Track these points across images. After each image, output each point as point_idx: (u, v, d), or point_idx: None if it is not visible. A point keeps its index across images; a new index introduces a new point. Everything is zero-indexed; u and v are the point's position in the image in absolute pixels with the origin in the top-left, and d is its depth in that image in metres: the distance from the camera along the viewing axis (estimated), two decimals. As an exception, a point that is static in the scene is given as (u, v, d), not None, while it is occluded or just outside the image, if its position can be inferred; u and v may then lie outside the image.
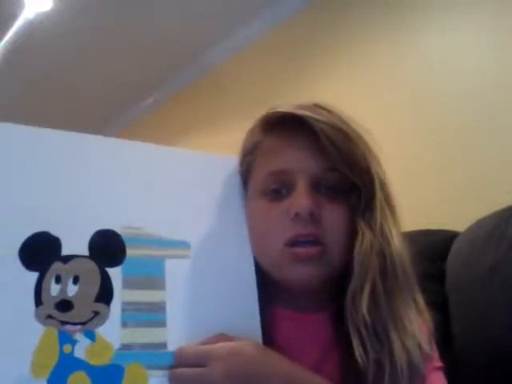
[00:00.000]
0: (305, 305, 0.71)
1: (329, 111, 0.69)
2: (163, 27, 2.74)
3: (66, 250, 0.60)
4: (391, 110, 1.95)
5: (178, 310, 0.63)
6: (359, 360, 0.62)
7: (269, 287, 0.70)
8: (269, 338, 0.67)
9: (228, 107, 2.87)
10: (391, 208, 0.70)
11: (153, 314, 0.62)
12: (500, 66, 1.74)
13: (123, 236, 0.63)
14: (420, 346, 0.64)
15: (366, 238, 0.66)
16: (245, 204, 0.74)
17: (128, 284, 0.62)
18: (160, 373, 0.60)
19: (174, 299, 0.63)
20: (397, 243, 0.67)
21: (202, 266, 0.67)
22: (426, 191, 1.82)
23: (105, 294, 0.60)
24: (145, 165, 0.70)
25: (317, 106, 0.70)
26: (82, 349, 0.58)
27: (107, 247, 0.62)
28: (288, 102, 0.73)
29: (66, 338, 0.58)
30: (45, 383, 0.56)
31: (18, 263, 0.58)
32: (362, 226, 0.67)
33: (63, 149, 0.66)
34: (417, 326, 0.65)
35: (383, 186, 0.69)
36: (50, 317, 0.58)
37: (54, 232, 0.61)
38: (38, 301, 0.58)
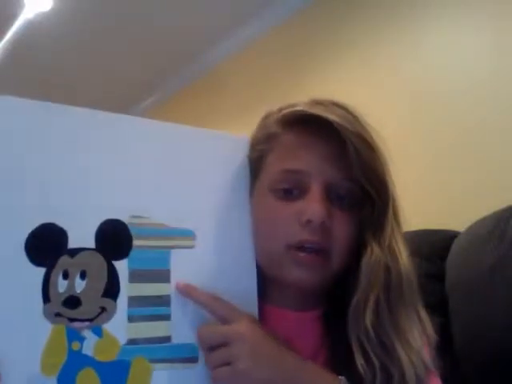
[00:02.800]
0: (296, 303, 0.71)
1: (354, 116, 0.67)
2: (163, 27, 2.74)
3: (72, 242, 0.60)
4: (391, 110, 1.96)
5: (183, 303, 0.63)
6: (361, 370, 0.62)
7: (261, 283, 0.70)
8: None
9: (228, 107, 2.88)
10: (399, 224, 0.70)
11: (158, 308, 0.62)
12: (500, 65, 1.75)
13: (130, 226, 0.62)
14: (424, 362, 0.64)
15: (374, 253, 0.66)
16: (251, 193, 0.73)
17: (134, 277, 0.61)
18: (164, 365, 0.60)
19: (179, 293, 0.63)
20: (404, 260, 0.67)
21: (205, 256, 0.66)
22: (426, 191, 1.82)
23: (112, 289, 0.60)
24: (152, 145, 0.67)
25: (335, 104, 0.69)
26: (90, 345, 0.58)
27: (114, 239, 0.62)
28: (304, 97, 0.72)
29: (74, 335, 0.58)
30: (55, 381, 0.56)
31: (25, 259, 0.58)
32: (370, 240, 0.67)
33: (70, 134, 0.63)
34: (420, 342, 0.65)
35: (394, 201, 0.69)
36: (58, 314, 0.58)
37: (61, 223, 0.59)
38: (46, 298, 0.58)
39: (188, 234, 0.66)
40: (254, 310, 0.67)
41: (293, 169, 0.68)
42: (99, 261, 0.60)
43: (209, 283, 0.65)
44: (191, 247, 0.66)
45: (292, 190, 0.68)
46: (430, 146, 1.87)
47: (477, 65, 1.81)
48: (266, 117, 0.76)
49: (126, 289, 0.61)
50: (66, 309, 0.58)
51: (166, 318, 0.62)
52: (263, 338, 0.60)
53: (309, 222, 0.65)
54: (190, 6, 2.55)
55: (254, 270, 0.70)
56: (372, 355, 0.62)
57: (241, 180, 0.72)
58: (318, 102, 0.70)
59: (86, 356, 0.58)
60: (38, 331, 0.57)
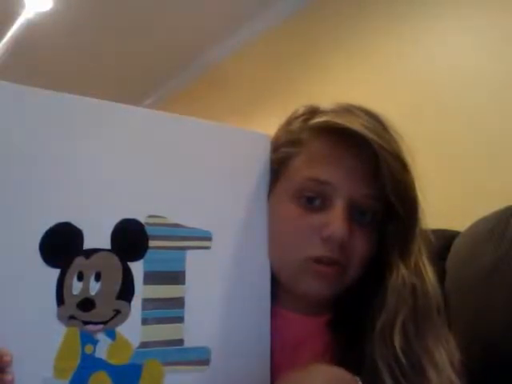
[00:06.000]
0: (305, 307, 0.71)
1: (384, 126, 0.67)
2: (163, 27, 2.73)
3: (87, 243, 0.58)
4: (390, 110, 1.98)
5: (196, 306, 0.62)
6: None
7: (272, 286, 0.70)
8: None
9: (228, 106, 2.87)
10: (427, 243, 0.69)
11: (172, 310, 0.61)
12: (502, 63, 1.74)
13: (146, 226, 0.61)
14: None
15: (400, 274, 0.65)
16: (270, 198, 0.71)
17: (149, 279, 0.60)
18: (176, 368, 0.60)
19: (193, 294, 0.62)
20: (431, 280, 0.67)
21: (221, 258, 0.65)
22: (426, 191, 1.83)
23: (126, 291, 0.59)
24: (171, 142, 0.65)
25: (363, 111, 0.68)
26: (103, 349, 0.57)
27: (130, 239, 0.60)
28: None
29: (87, 339, 0.57)
30: (67, 384, 0.55)
31: (40, 260, 0.56)
32: (397, 260, 0.66)
33: (87, 131, 0.61)
34: (448, 364, 0.64)
35: (422, 220, 0.68)
36: (72, 317, 0.56)
37: (77, 223, 0.57)
38: (60, 300, 0.56)
39: (205, 235, 0.64)
40: (266, 313, 0.67)
41: (320, 179, 0.66)
42: (114, 262, 0.59)
43: (223, 285, 0.65)
44: (208, 248, 0.64)
45: (315, 199, 0.66)
46: (429, 146, 1.87)
47: (478, 63, 1.81)
48: (291, 119, 0.74)
49: (141, 291, 0.59)
50: (80, 311, 0.57)
51: (180, 320, 0.61)
52: None
53: (329, 237, 0.64)
54: (191, 5, 2.55)
55: (269, 274, 0.69)
56: (401, 378, 0.61)
57: (261, 180, 0.70)
58: (346, 109, 0.68)
59: (99, 359, 0.57)
60: (51, 334, 0.55)
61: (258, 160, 0.70)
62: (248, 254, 0.68)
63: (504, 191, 1.44)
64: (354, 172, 0.66)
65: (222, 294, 0.65)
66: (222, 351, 0.63)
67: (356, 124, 0.64)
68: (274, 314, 0.69)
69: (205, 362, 0.62)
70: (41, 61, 2.88)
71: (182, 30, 2.74)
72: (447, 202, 1.75)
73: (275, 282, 0.70)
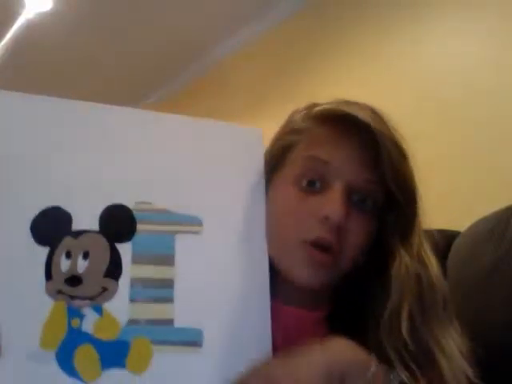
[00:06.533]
0: (300, 300, 0.70)
1: (385, 121, 0.68)
2: (163, 27, 2.76)
3: (76, 225, 0.61)
4: (391, 111, 1.99)
5: (186, 287, 0.63)
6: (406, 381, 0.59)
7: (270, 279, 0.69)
8: None
9: (228, 106, 2.89)
10: (430, 240, 0.70)
11: (161, 290, 0.62)
12: (502, 67, 1.77)
13: (135, 211, 0.63)
14: (464, 370, 0.63)
15: (403, 262, 0.65)
16: (269, 188, 0.72)
17: (137, 260, 0.62)
18: (166, 348, 0.60)
19: (183, 276, 0.63)
20: (435, 269, 0.67)
21: (212, 243, 0.66)
22: (426, 191, 1.84)
23: (114, 270, 0.61)
24: (160, 135, 0.69)
25: (365, 105, 0.70)
26: (89, 323, 0.59)
27: (117, 223, 0.63)
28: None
29: (74, 313, 0.59)
30: (53, 355, 0.57)
31: (30, 238, 0.60)
32: (399, 248, 0.67)
33: (79, 119, 0.66)
34: (457, 352, 0.64)
35: (421, 209, 0.69)
36: (59, 292, 0.59)
37: (66, 206, 0.62)
38: (48, 275, 0.59)
39: (194, 221, 0.66)
40: (264, 300, 0.66)
41: (321, 158, 0.67)
42: (102, 243, 0.62)
43: (217, 270, 0.65)
44: (197, 233, 0.66)
45: (315, 182, 0.67)
46: (429, 147, 1.87)
47: (478, 66, 1.84)
48: (293, 114, 0.76)
49: (129, 270, 0.61)
50: (67, 286, 0.59)
51: (169, 300, 0.62)
52: None
53: (326, 218, 0.64)
54: (191, 5, 2.57)
55: (266, 261, 0.68)
56: (412, 364, 0.61)
57: (253, 168, 0.71)
58: (346, 101, 0.70)
59: (85, 333, 0.58)
60: (39, 307, 0.58)
61: (250, 153, 0.72)
62: (244, 241, 0.68)
63: (504, 191, 1.45)
64: (354, 156, 0.67)
65: (215, 278, 0.65)
66: (215, 335, 0.62)
67: (357, 112, 0.66)
68: (273, 309, 0.67)
69: (196, 343, 0.61)
70: (41, 61, 2.90)
71: (183, 30, 2.77)
72: (447, 202, 1.71)
73: (273, 275, 0.69)
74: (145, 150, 0.67)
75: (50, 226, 0.61)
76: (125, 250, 0.62)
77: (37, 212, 0.61)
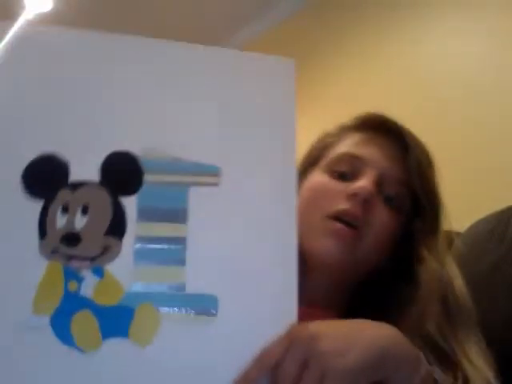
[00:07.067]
0: (318, 295, 0.68)
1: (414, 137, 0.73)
2: (164, 27, 2.72)
3: (74, 176, 0.53)
4: (391, 111, 2.00)
5: (201, 248, 0.54)
6: None
7: None
8: None
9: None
10: (450, 242, 0.72)
11: (171, 251, 0.53)
12: (503, 65, 1.78)
13: (141, 160, 0.54)
14: (487, 379, 0.61)
15: (431, 267, 0.67)
16: (303, 180, 0.73)
17: (144, 216, 0.53)
18: (175, 317, 0.51)
19: (197, 234, 0.54)
20: (460, 280, 0.68)
21: (233, 198, 0.56)
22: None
23: (117, 227, 0.53)
24: (172, 68, 0.58)
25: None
26: (88, 287, 0.51)
27: (121, 172, 0.54)
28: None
29: (71, 275, 0.51)
30: (47, 320, 0.50)
31: (21, 190, 0.52)
32: (426, 255, 0.68)
33: (88, 52, 0.57)
34: (482, 361, 0.63)
35: (444, 218, 0.71)
36: (55, 251, 0.51)
37: (63, 154, 0.53)
38: (43, 233, 0.52)
39: (212, 170, 0.56)
40: (291, 267, 0.55)
41: (354, 154, 0.71)
42: (103, 196, 0.53)
43: (237, 229, 0.55)
44: (215, 185, 0.55)
45: (347, 175, 0.70)
46: (430, 147, 1.88)
47: (478, 66, 1.84)
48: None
49: (134, 228, 0.53)
50: (63, 245, 0.52)
51: (180, 262, 0.53)
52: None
53: (355, 195, 0.66)
54: (192, 7, 2.55)
55: (294, 222, 0.57)
56: (434, 362, 0.58)
57: (285, 112, 0.60)
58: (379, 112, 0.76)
59: (83, 298, 0.51)
60: (32, 268, 0.51)
61: (281, 85, 0.61)
62: (270, 198, 0.57)
63: (504, 191, 1.44)
64: (386, 155, 0.71)
65: (234, 238, 0.55)
66: (232, 303, 0.53)
67: (389, 117, 0.73)
68: None
69: (210, 312, 0.52)
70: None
71: (182, 30, 2.73)
72: (447, 202, 1.75)
73: None
74: (154, 87, 0.57)
75: (44, 177, 0.53)
76: (130, 203, 0.54)
77: (29, 160, 0.53)
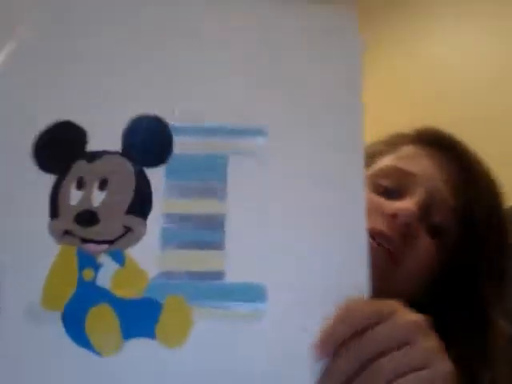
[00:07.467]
0: None
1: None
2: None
3: (92, 145, 0.45)
4: (390, 111, 2.17)
5: (243, 228, 0.44)
6: None
7: None
8: None
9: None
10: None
11: (206, 232, 0.43)
12: (501, 64, 1.83)
13: (171, 124, 0.45)
14: None
15: (498, 328, 0.61)
16: None
17: (174, 191, 0.44)
18: (211, 312, 0.42)
19: (238, 212, 0.44)
20: None
21: (283, 168, 0.46)
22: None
23: (141, 204, 0.44)
24: (207, 18, 0.49)
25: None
26: (107, 276, 0.42)
27: (147, 140, 0.45)
28: None
29: (87, 261, 0.42)
30: (59, 316, 0.41)
31: (31, 162, 0.45)
32: (492, 309, 0.61)
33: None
34: None
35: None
36: (67, 232, 0.43)
37: (79, 120, 0.45)
38: (54, 211, 0.43)
39: (257, 134, 0.46)
40: (362, 255, 0.44)
41: (404, 169, 0.63)
42: (125, 168, 0.45)
43: (287, 206, 0.45)
44: (261, 154, 0.45)
45: (393, 192, 0.62)
46: None
47: (478, 66, 1.88)
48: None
49: (162, 205, 0.44)
50: (78, 226, 0.43)
51: (218, 246, 0.43)
52: None
53: (394, 216, 0.58)
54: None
55: (363, 203, 0.46)
56: None
57: (348, 69, 0.49)
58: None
59: (101, 289, 0.42)
60: (40, 253, 0.42)
61: (343, 37, 0.50)
62: (331, 173, 0.46)
63: (504, 191, 1.41)
64: (440, 175, 0.64)
65: (284, 217, 0.45)
66: (284, 294, 0.43)
67: (447, 133, 0.69)
68: None
69: (257, 306, 0.42)
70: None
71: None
72: None
73: None
74: (186, 39, 0.48)
75: (58, 147, 0.45)
76: (156, 176, 0.44)
77: (41, 129, 0.45)
